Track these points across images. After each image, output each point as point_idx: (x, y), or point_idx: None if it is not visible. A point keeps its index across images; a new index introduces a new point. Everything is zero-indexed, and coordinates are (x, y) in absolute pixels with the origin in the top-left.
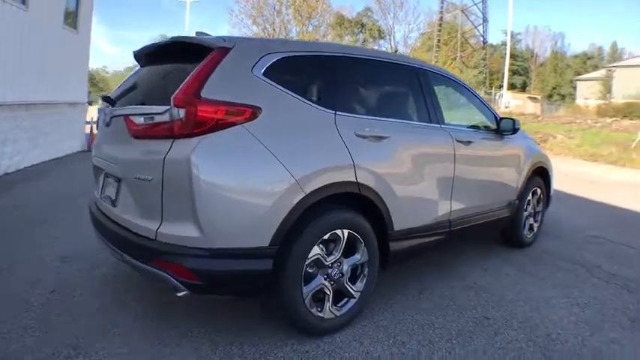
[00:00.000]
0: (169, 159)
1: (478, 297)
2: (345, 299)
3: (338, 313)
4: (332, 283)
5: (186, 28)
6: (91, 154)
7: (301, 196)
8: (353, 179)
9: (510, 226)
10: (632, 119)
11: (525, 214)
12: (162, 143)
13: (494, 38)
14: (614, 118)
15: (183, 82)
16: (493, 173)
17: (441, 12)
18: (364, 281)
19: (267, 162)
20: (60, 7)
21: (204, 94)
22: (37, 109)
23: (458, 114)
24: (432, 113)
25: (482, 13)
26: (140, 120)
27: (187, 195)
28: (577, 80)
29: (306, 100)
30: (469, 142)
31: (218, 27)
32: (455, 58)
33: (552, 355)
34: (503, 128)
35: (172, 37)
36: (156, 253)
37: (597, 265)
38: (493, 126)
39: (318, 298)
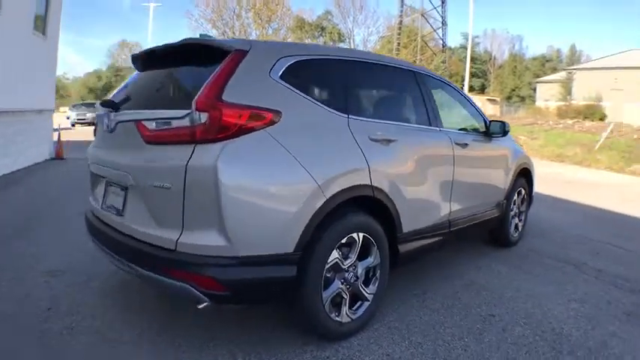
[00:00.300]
0: (192, 166)
1: (479, 295)
2: (359, 302)
3: (354, 317)
4: (348, 287)
5: (149, 33)
6: (61, 162)
7: (323, 200)
8: (368, 182)
9: (499, 225)
10: (592, 120)
11: (511, 213)
12: (182, 149)
13: (452, 41)
14: (576, 120)
15: (204, 86)
16: (486, 175)
17: (401, 16)
18: (376, 284)
19: (290, 167)
20: (30, 11)
21: (225, 97)
22: (6, 117)
23: (451, 117)
24: (431, 117)
25: (442, 17)
26: (153, 125)
27: (213, 203)
28: (537, 82)
29: (321, 104)
30: (465, 144)
31: (177, 31)
32: (415, 61)
33: (561, 348)
34: (493, 131)
35: (184, 39)
36: (176, 264)
37: (583, 262)
38: (483, 128)
39: (335, 302)
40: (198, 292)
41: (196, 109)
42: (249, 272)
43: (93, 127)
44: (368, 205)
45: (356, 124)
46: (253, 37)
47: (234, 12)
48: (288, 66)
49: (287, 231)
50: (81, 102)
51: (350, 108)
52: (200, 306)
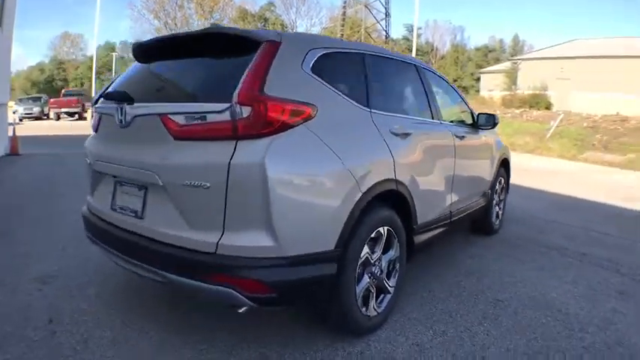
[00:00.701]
0: (236, 163)
1: (481, 283)
2: (382, 295)
3: (379, 310)
4: (374, 280)
5: (96, 24)
6: (17, 158)
7: (359, 195)
8: (393, 176)
9: (484, 214)
10: (539, 109)
11: (493, 202)
12: (221, 145)
13: (395, 33)
14: (523, 109)
15: (244, 78)
16: (477, 165)
17: (344, 7)
18: (396, 276)
19: (331, 161)
20: None
21: (267, 91)
22: None
23: (446, 109)
24: (433, 110)
25: (385, 8)
26: (183, 119)
27: (260, 201)
28: (481, 73)
29: (347, 98)
30: (463, 136)
31: (117, 22)
32: None
33: (572, 326)
34: (482, 123)
35: (208, 28)
36: (217, 268)
37: (565, 247)
38: (470, 120)
39: (364, 297)
40: (242, 297)
41: (238, 103)
42: (294, 272)
43: (94, 121)
44: (390, 199)
45: (378, 117)
46: (195, 27)
47: (176, 3)
48: (317, 58)
49: (330, 227)
50: (27, 96)
51: (371, 102)
52: (241, 310)
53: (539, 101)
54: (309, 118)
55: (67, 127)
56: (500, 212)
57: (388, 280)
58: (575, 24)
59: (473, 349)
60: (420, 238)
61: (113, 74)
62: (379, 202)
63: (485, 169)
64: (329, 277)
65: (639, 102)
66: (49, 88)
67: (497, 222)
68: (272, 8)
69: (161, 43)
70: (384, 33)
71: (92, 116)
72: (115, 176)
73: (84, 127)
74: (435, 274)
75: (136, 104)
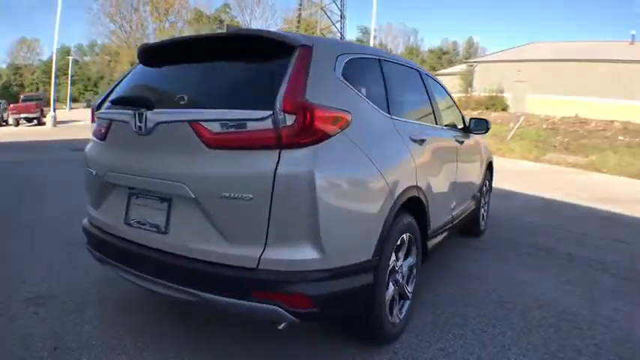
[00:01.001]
0: (282, 173)
1: (483, 285)
2: (402, 302)
3: (401, 317)
4: (397, 287)
5: (57, 28)
6: None
7: (392, 202)
8: (415, 183)
9: (474, 217)
10: (496, 111)
11: (481, 204)
12: (263, 154)
13: (350, 35)
14: (479, 111)
15: (286, 84)
16: (471, 169)
17: (300, 9)
18: (414, 282)
19: (368, 169)
20: None
21: (308, 98)
22: None
23: (443, 114)
24: (437, 115)
25: (340, 10)
26: (218, 127)
27: (307, 212)
28: (436, 75)
29: (373, 104)
30: (462, 141)
31: (71, 26)
32: None
33: (581, 325)
34: (475, 128)
35: (236, 30)
36: (259, 284)
37: (552, 247)
38: (462, 124)
39: (389, 304)
40: (286, 313)
41: (283, 111)
42: (338, 284)
43: (99, 128)
44: (411, 205)
45: (398, 124)
46: (150, 30)
47: (132, 6)
48: (345, 64)
49: (369, 237)
50: None
51: (391, 108)
52: (280, 326)
53: (495, 103)
54: (346, 125)
55: (27, 132)
56: (485, 214)
57: (407, 286)
58: (529, 28)
59: (495, 350)
60: (432, 244)
61: (69, 78)
62: (403, 209)
63: (477, 173)
64: (367, 287)
65: (598, 105)
66: (6, 93)
67: (483, 224)
68: (227, 10)
69: (176, 45)
70: (339, 35)
71: (94, 122)
72: (130, 188)
73: (44, 133)
74: (437, 278)
75: (157, 110)
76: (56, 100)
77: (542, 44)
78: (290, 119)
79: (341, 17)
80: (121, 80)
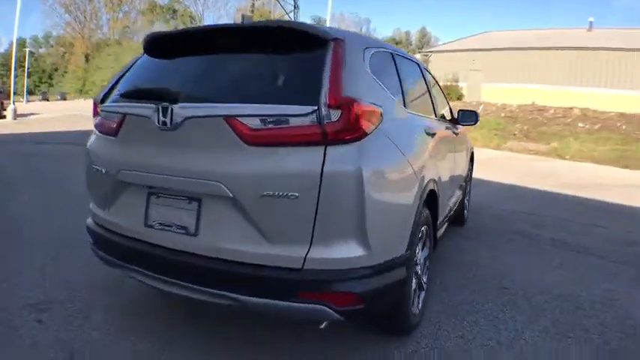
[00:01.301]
0: (330, 170)
1: (479, 271)
2: (419, 293)
3: (420, 307)
4: (416, 279)
5: (17, 18)
6: None
7: (420, 195)
8: (433, 176)
9: (461, 206)
10: (451, 100)
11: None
12: (308, 151)
13: None
14: None
15: (330, 80)
16: (461, 160)
17: None
18: (427, 273)
19: (404, 164)
20: None
21: (350, 93)
22: None
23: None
24: (436, 108)
25: (294, 0)
26: (258, 122)
27: (354, 210)
28: None
29: (394, 98)
30: (457, 133)
31: (27, 17)
32: None
33: (583, 306)
34: (465, 119)
35: (266, 22)
36: (305, 284)
37: (535, 233)
38: (449, 116)
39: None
40: (333, 312)
41: (328, 106)
42: (381, 280)
43: (107, 123)
44: (426, 199)
45: (415, 118)
46: (104, 21)
47: None
48: (370, 58)
49: (404, 231)
50: None
51: (406, 102)
52: (322, 326)
53: (450, 92)
54: (380, 120)
55: None
56: (467, 203)
57: (423, 277)
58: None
59: (510, 335)
60: (439, 234)
61: (26, 70)
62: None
63: (465, 163)
64: (401, 281)
65: (556, 92)
66: None
67: (466, 212)
68: (180, 0)
69: (195, 35)
70: None
71: (96, 116)
72: (150, 187)
73: (6, 126)
74: (433, 269)
75: (184, 104)
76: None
77: (497, 33)
78: (335, 115)
79: (294, 7)
80: (125, 72)
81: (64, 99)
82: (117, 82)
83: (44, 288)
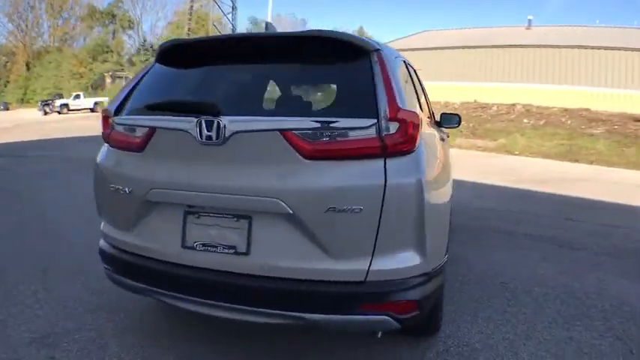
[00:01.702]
0: (392, 182)
1: (474, 268)
2: None
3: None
4: None
5: None
6: None
7: (450, 200)
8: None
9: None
10: None
11: None
12: (368, 164)
13: (240, 26)
14: None
15: (386, 93)
16: (449, 162)
17: (192, 0)
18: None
19: (444, 171)
20: None
21: (403, 105)
22: None
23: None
24: (433, 113)
25: (232, 1)
26: (315, 136)
27: (415, 220)
28: None
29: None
30: (448, 135)
31: None
32: None
33: (580, 295)
34: (447, 122)
35: (310, 31)
36: (369, 297)
37: (512, 230)
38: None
39: None
40: (395, 322)
41: (389, 119)
42: (432, 285)
43: (130, 136)
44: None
45: (432, 124)
46: (45, 28)
47: (28, 4)
48: (399, 67)
49: (446, 236)
50: None
51: (422, 109)
52: (379, 334)
53: None
54: (420, 129)
55: None
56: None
57: None
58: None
59: (525, 327)
60: None
61: None
62: None
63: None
64: (442, 285)
65: (498, 89)
66: None
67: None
68: (120, 4)
69: (222, 44)
70: (231, 26)
71: (107, 130)
72: (190, 206)
73: None
74: None
75: (232, 117)
76: None
77: (435, 32)
78: (393, 127)
79: (232, 8)
80: (138, 82)
81: (7, 109)
82: (130, 93)
83: (44, 317)
